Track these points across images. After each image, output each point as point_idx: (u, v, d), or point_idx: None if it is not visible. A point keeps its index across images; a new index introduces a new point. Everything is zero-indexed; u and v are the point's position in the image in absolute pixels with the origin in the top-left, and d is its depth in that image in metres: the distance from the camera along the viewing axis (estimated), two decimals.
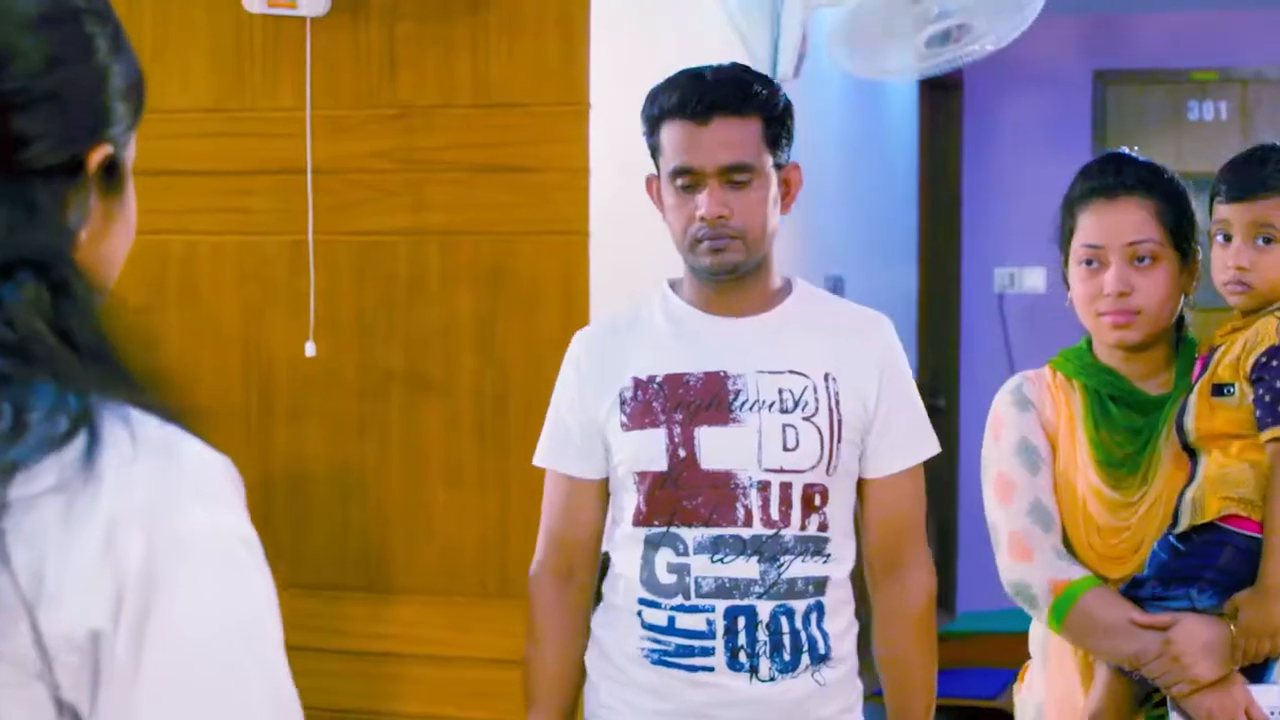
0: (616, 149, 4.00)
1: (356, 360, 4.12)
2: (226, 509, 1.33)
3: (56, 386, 1.28)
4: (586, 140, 3.94)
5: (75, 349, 1.31)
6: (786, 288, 3.26)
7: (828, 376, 3.13)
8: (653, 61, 4.22)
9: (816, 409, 3.11)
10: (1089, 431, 3.11)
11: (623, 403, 3.16)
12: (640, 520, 3.14)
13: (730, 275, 3.12)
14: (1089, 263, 3.08)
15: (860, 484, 3.21)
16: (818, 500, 3.11)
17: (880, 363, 3.18)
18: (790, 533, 3.09)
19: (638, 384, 3.16)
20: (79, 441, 1.27)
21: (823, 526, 3.11)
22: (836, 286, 6.23)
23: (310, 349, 4.07)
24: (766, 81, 3.16)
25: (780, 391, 3.11)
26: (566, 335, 3.92)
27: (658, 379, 3.14)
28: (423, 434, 4.08)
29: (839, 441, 3.12)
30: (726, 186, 3.07)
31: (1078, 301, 3.11)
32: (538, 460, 3.29)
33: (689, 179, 3.08)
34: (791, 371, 3.13)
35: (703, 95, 3.06)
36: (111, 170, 1.42)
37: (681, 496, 3.10)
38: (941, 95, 8.54)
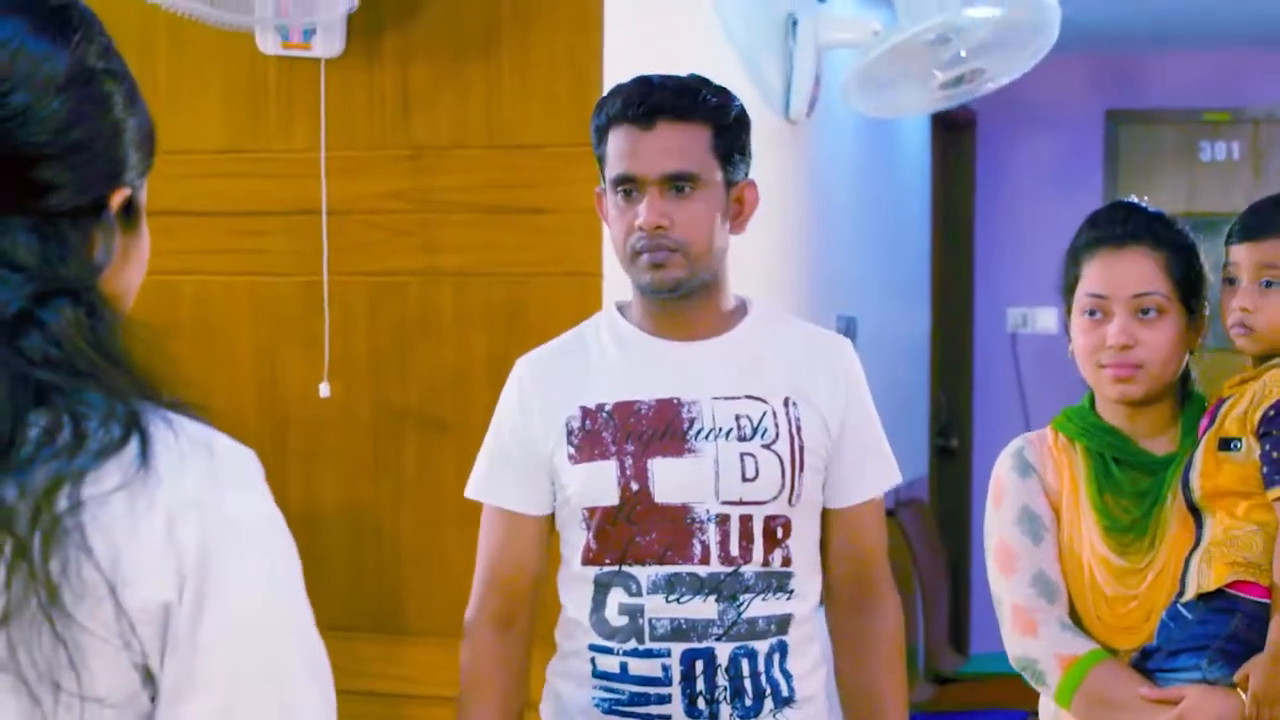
0: None
1: (370, 400, 4.12)
2: (258, 493, 1.58)
3: (103, 395, 1.49)
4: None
5: (112, 362, 1.52)
6: (742, 309, 3.06)
7: (788, 401, 2.95)
8: None
9: (777, 436, 2.92)
10: (1092, 497, 2.99)
11: (570, 433, 2.96)
12: (589, 559, 2.95)
13: (672, 293, 2.93)
14: (1092, 313, 2.97)
15: (825, 514, 3.04)
16: (780, 533, 2.93)
17: (844, 386, 3.01)
18: (751, 569, 2.89)
19: (585, 413, 2.95)
20: (133, 444, 1.48)
21: (786, 561, 2.93)
22: (849, 327, 6.23)
23: (324, 390, 4.08)
24: (719, 90, 2.99)
25: (738, 418, 2.92)
26: None
27: (607, 407, 2.94)
28: (437, 474, 4.08)
29: (801, 470, 2.93)
30: (669, 195, 2.89)
31: (1079, 353, 3.01)
32: (471, 492, 3.11)
33: (630, 186, 2.91)
34: (749, 397, 2.94)
35: (646, 98, 2.91)
36: (129, 210, 1.61)
37: (634, 532, 2.90)
38: (954, 135, 8.55)
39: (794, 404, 2.95)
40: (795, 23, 5.31)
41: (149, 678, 1.49)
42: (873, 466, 3.07)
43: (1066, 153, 8.77)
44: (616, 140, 2.93)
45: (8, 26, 1.53)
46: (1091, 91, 8.74)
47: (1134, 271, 2.95)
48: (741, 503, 2.90)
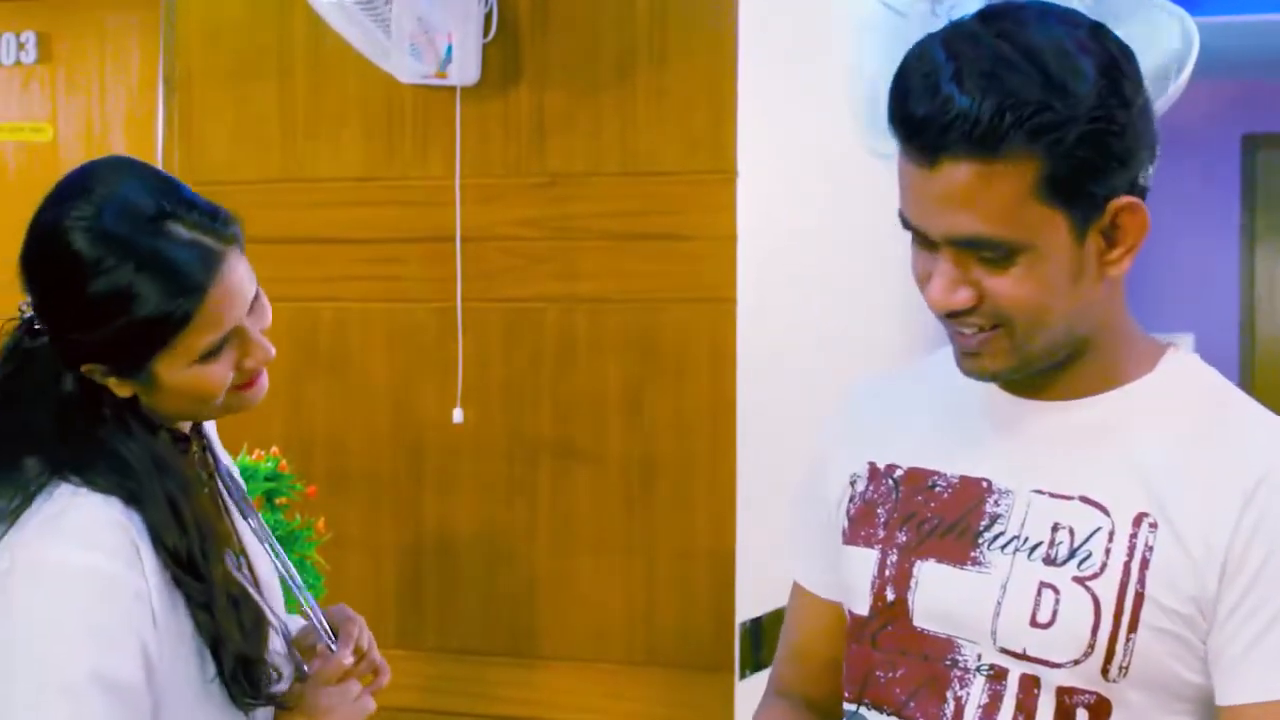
0: (764, 216, 4.00)
1: (504, 427, 4.14)
2: (78, 545, 2.01)
3: (27, 471, 2.08)
4: (734, 208, 3.94)
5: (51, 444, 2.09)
6: (1146, 361, 2.00)
7: (1141, 520, 1.86)
8: (799, 129, 4.23)
9: (1102, 568, 1.85)
10: None
11: (851, 498, 2.09)
12: (845, 685, 2.08)
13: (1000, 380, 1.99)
14: None
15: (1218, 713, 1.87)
16: (1083, 717, 1.86)
17: (1245, 512, 1.82)
18: None
19: (873, 473, 2.08)
20: (20, 505, 2.05)
21: None
22: None
23: (458, 415, 4.10)
24: (1057, 88, 1.80)
25: (1054, 529, 1.89)
26: (714, 402, 3.94)
27: (899, 472, 2.04)
28: (571, 501, 4.08)
29: (1132, 629, 1.84)
30: (970, 263, 1.88)
31: None
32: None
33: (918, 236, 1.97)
34: (1084, 499, 1.89)
35: (916, 118, 1.83)
36: (123, 371, 2.13)
37: (877, 662, 2.00)
38: None
39: (1151, 525, 1.86)
40: None
41: None
42: None
43: (1203, 178, 8.68)
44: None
45: None
46: (1228, 116, 8.65)
47: None
48: (1025, 656, 1.89)
